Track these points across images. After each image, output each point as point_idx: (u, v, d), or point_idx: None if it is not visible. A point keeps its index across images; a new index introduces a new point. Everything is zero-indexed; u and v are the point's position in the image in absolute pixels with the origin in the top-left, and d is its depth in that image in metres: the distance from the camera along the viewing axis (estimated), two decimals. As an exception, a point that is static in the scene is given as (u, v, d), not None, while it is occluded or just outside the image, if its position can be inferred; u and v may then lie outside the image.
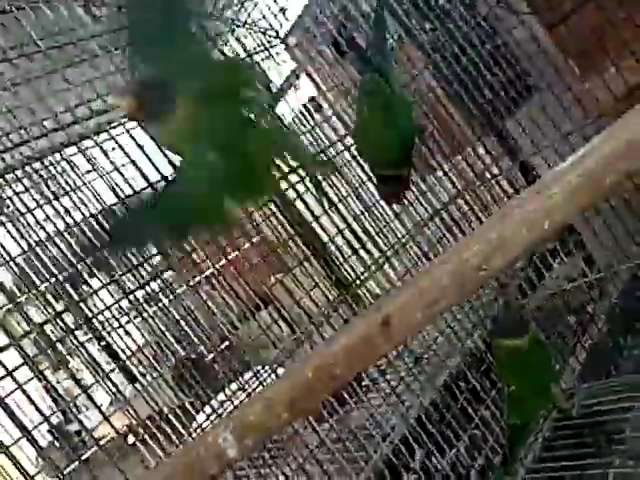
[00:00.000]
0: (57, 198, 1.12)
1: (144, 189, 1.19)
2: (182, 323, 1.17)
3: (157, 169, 1.07)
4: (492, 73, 1.40)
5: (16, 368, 0.83)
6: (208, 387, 1.21)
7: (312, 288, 1.36)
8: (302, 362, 0.37)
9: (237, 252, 1.30)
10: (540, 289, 1.29)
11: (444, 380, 1.11)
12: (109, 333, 1.09)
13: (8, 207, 1.10)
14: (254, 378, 1.24)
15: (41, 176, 1.03)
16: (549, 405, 1.08)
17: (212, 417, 1.15)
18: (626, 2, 1.21)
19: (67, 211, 1.09)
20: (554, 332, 1.29)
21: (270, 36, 1.29)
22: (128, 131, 1.06)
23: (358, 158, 1.32)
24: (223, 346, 1.18)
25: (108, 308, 1.03)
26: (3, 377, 0.83)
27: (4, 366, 0.83)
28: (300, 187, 1.39)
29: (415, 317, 0.36)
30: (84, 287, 1.34)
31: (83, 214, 1.06)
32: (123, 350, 1.17)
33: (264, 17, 1.30)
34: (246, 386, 1.19)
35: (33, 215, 1.10)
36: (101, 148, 1.05)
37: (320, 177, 1.41)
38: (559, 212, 0.42)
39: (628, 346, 1.30)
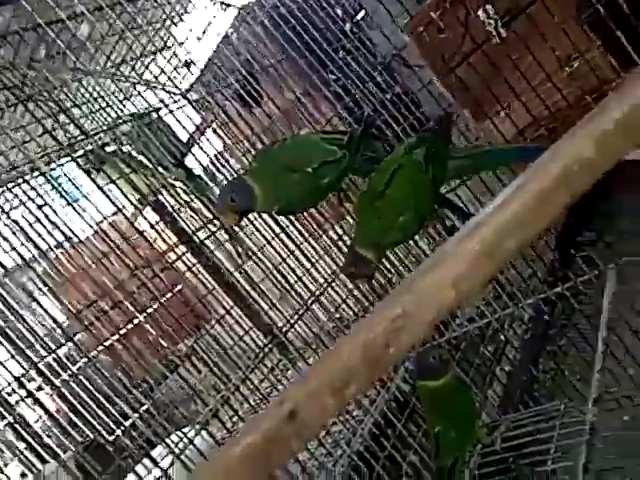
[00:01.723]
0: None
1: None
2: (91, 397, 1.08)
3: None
4: (395, 120, 1.45)
5: None
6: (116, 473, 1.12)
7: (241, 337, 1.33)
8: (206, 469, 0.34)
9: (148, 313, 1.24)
10: (453, 326, 1.33)
11: (369, 428, 1.10)
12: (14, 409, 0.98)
13: None
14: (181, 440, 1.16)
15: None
16: (474, 441, 1.10)
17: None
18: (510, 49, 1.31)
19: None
20: (471, 365, 1.32)
21: (170, 92, 1.27)
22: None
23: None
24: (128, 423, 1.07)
25: (17, 379, 0.94)
26: None
27: None
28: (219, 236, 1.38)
29: (324, 405, 0.34)
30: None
31: None
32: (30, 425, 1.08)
33: (163, 72, 1.28)
34: (175, 448, 1.10)
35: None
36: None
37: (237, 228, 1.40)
38: (464, 281, 0.43)
39: (540, 373, 1.36)
